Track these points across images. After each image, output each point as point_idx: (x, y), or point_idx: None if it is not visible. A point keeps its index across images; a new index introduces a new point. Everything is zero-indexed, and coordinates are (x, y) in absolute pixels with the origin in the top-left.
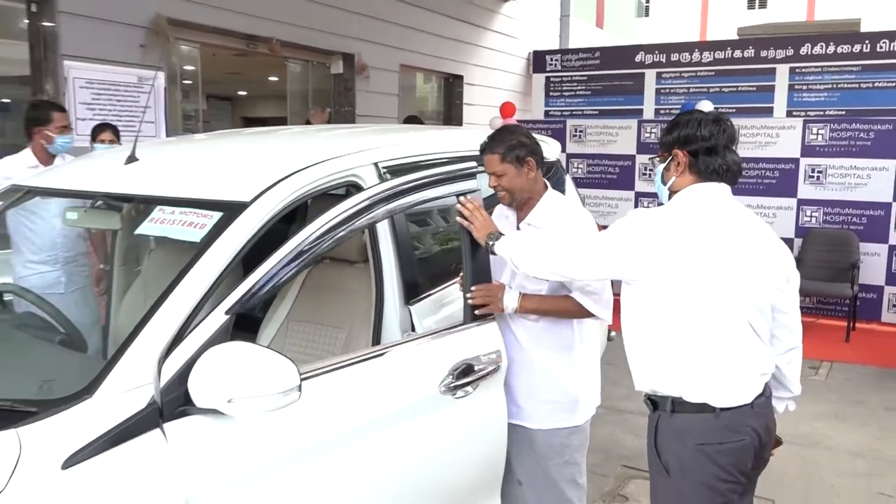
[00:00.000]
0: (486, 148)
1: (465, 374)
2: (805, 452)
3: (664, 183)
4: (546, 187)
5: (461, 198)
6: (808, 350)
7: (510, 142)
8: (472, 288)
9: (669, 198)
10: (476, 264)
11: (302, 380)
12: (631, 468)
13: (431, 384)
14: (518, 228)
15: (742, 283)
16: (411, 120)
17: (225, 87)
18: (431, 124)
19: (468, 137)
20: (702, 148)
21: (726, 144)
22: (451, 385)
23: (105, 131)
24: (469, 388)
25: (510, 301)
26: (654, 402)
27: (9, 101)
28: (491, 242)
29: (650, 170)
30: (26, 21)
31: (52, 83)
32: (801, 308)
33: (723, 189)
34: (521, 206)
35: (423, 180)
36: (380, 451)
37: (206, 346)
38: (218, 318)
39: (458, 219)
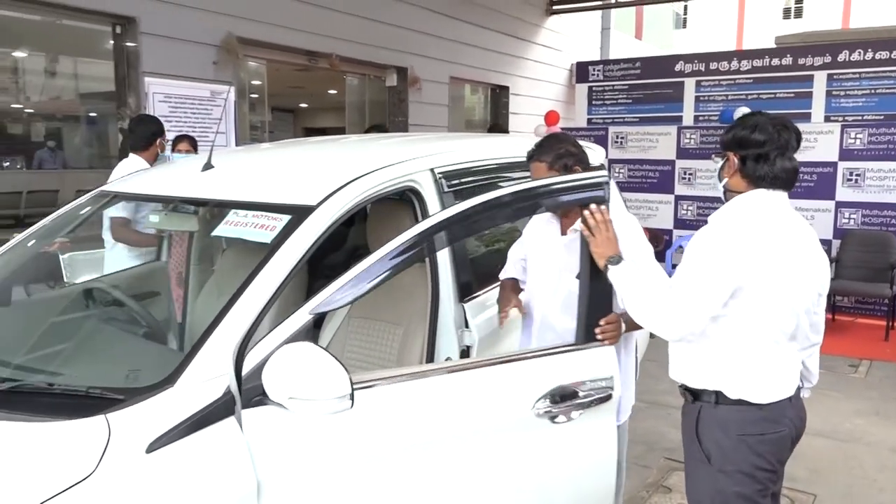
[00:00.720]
0: (533, 155)
1: (566, 399)
2: (846, 448)
3: (720, 180)
4: None
5: (591, 206)
6: (847, 348)
7: (558, 150)
8: (602, 323)
9: (725, 194)
10: (596, 285)
11: (368, 386)
12: (673, 460)
13: (524, 404)
14: (564, 234)
15: (796, 289)
16: (375, 128)
17: (288, 100)
18: (478, 133)
19: (515, 144)
20: (752, 154)
21: (781, 152)
22: (548, 408)
23: (183, 141)
24: (573, 414)
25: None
26: (693, 392)
27: (95, 114)
28: (606, 267)
29: (689, 174)
30: (111, 42)
31: (134, 97)
32: (841, 307)
33: (780, 197)
34: (567, 212)
35: (551, 187)
36: (460, 466)
37: (287, 343)
38: (302, 316)
39: (581, 227)
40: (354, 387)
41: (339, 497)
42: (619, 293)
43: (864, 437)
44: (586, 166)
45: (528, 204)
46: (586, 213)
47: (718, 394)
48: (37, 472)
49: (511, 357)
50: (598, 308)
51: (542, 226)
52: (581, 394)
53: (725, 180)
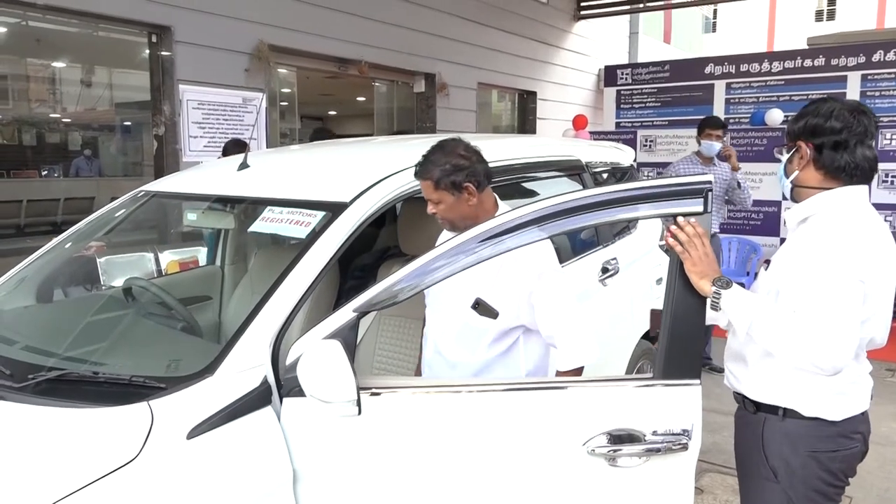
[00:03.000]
0: (418, 172)
1: (629, 442)
2: (884, 452)
3: (787, 175)
4: (497, 205)
5: (679, 219)
6: (885, 353)
7: (443, 166)
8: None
9: (792, 192)
10: (680, 308)
11: (375, 393)
12: (705, 462)
13: (573, 440)
14: None
15: (892, 295)
16: (320, 133)
17: (317, 108)
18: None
19: (542, 144)
20: (829, 142)
21: (860, 139)
22: (604, 447)
23: (236, 147)
24: (637, 459)
25: None
26: (756, 403)
27: (130, 123)
28: (717, 292)
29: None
30: (147, 51)
31: (168, 105)
32: None
33: (865, 192)
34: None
35: (638, 191)
36: (488, 491)
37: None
38: (346, 314)
39: (670, 241)
40: (378, 390)
41: (370, 492)
42: (735, 323)
43: None
44: (484, 176)
45: (616, 209)
46: (674, 227)
47: (788, 409)
48: (84, 455)
49: (562, 383)
50: (685, 339)
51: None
52: (647, 438)
53: (795, 174)
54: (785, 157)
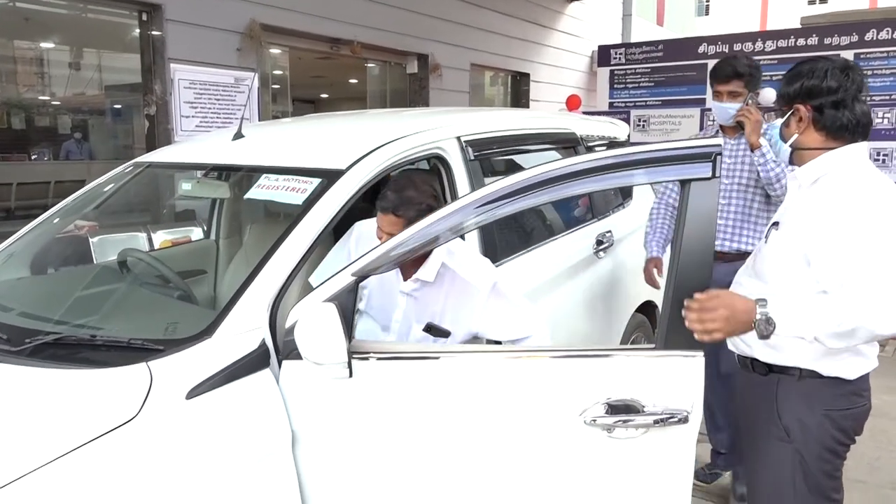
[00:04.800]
0: (389, 207)
1: (627, 411)
2: (874, 422)
3: (784, 140)
4: None
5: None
6: None
7: (419, 205)
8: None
9: (792, 156)
10: (684, 277)
11: (389, 357)
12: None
13: (570, 409)
14: (406, 281)
15: None
16: None
17: (309, 91)
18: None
19: (538, 117)
20: (828, 102)
21: (855, 95)
22: (603, 419)
23: None
24: (635, 430)
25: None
26: (768, 365)
27: (120, 105)
28: (767, 318)
29: None
30: (137, 30)
31: (160, 84)
32: None
33: (867, 150)
34: (415, 261)
35: (642, 155)
36: (483, 461)
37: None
38: (344, 278)
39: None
40: (366, 355)
41: (364, 456)
42: (803, 332)
43: (891, 413)
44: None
45: (619, 173)
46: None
47: (805, 370)
48: (84, 414)
49: (558, 351)
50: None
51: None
52: (646, 409)
53: (795, 137)
54: (779, 121)
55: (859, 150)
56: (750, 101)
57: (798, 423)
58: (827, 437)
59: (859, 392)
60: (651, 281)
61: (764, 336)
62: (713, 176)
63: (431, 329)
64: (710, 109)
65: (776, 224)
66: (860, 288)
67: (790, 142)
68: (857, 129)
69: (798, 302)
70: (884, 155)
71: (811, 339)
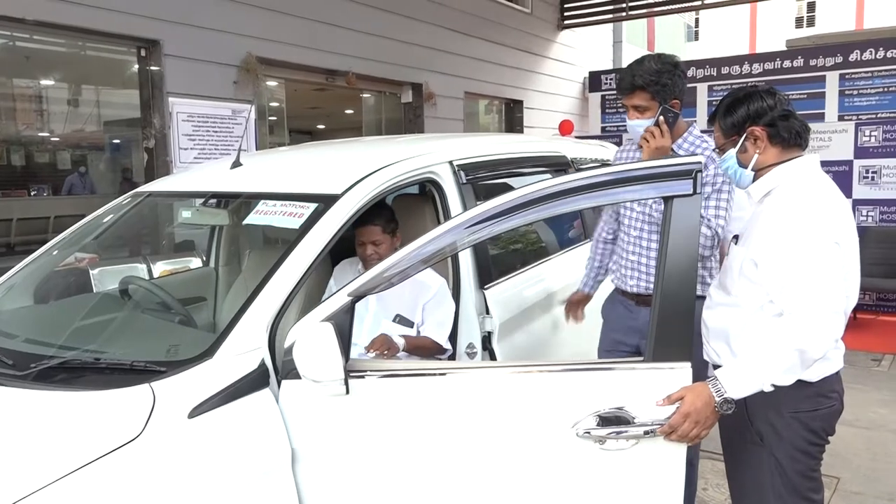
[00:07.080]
0: (369, 220)
1: (619, 423)
2: (870, 435)
3: (744, 166)
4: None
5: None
6: (870, 344)
7: (387, 216)
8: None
9: (755, 179)
10: (671, 290)
11: (385, 375)
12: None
13: (562, 422)
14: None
15: (857, 257)
16: None
17: (305, 122)
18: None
19: (529, 141)
20: (776, 116)
21: (789, 109)
22: (594, 431)
23: None
24: (625, 442)
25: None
26: None
27: (119, 141)
28: (719, 398)
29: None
30: (136, 65)
31: (158, 118)
32: (863, 305)
33: (818, 160)
34: (367, 254)
35: (623, 174)
36: (480, 473)
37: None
38: (341, 298)
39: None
40: (362, 373)
41: (367, 471)
42: (757, 388)
43: (887, 425)
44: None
45: (604, 192)
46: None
47: None
48: (88, 433)
49: (550, 365)
50: (675, 321)
51: (347, 270)
52: (636, 421)
53: (755, 158)
54: (732, 151)
55: (809, 161)
56: (660, 119)
57: (769, 427)
58: (798, 438)
59: (825, 393)
60: (573, 313)
61: (729, 412)
62: (694, 192)
63: (401, 320)
64: (701, 132)
65: (735, 238)
66: (796, 315)
67: (752, 165)
68: (807, 135)
69: (740, 361)
70: (873, 172)
71: (769, 387)
